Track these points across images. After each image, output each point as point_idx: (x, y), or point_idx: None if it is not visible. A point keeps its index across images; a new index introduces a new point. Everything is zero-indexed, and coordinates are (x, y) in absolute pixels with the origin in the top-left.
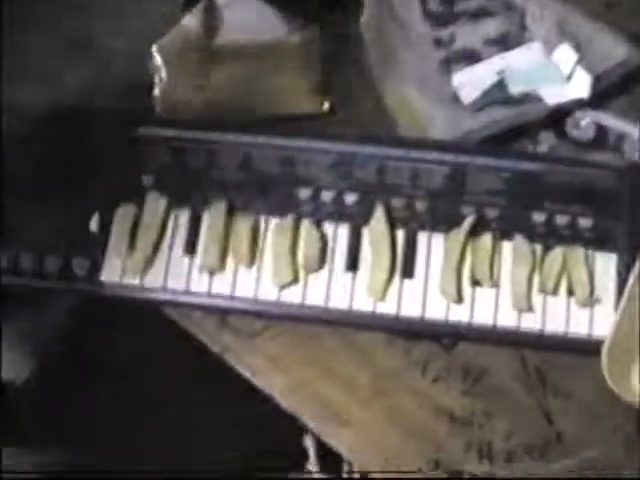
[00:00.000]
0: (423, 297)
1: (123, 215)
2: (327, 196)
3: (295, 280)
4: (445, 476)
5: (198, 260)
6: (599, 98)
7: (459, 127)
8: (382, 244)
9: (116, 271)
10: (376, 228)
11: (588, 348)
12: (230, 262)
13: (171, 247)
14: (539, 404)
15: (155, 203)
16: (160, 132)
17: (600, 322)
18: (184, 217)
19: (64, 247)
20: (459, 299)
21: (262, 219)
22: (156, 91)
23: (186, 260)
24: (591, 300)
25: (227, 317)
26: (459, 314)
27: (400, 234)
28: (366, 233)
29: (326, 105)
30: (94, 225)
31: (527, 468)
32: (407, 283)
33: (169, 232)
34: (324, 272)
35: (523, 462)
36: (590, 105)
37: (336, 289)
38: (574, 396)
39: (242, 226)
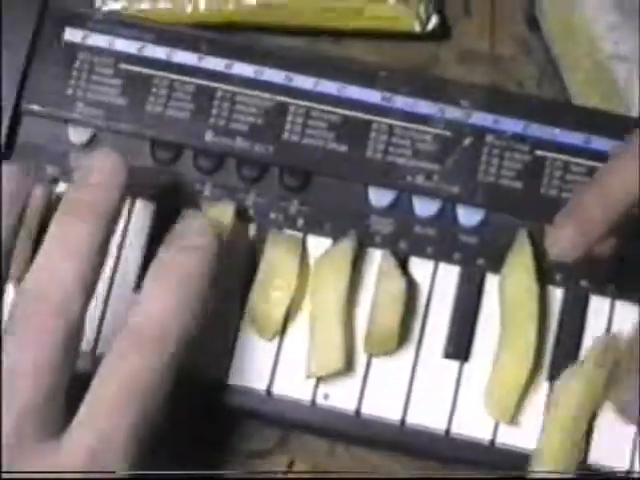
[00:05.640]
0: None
1: None
2: (424, 208)
3: (349, 367)
4: None
5: None
6: None
7: None
8: (521, 313)
9: None
10: (512, 281)
11: None
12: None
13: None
14: None
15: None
16: (105, 42)
17: None
18: (142, 215)
19: None
20: None
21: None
22: None
23: None
24: None
25: None
26: None
27: (556, 297)
28: (491, 289)
29: (433, 21)
30: None
31: None
32: None
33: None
34: (404, 356)
35: None
36: None
37: (424, 390)
38: None
39: (272, 254)
